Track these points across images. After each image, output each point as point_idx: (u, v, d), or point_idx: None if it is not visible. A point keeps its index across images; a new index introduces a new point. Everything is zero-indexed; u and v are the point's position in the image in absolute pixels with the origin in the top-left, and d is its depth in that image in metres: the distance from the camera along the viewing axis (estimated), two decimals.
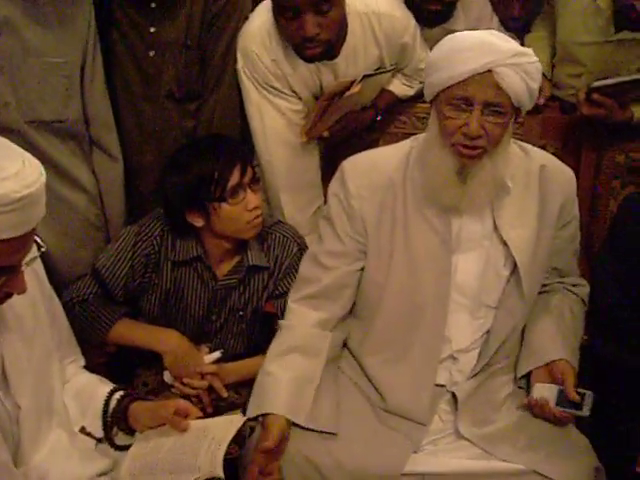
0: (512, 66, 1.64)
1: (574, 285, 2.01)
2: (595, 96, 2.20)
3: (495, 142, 1.71)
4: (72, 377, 1.70)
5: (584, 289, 2.01)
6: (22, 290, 1.38)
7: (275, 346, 1.89)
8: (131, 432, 1.66)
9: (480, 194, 1.77)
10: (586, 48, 2.27)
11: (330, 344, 1.89)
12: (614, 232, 1.97)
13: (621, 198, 2.36)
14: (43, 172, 1.32)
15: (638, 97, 2.27)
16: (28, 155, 1.31)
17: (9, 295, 1.39)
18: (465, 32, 1.76)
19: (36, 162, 1.32)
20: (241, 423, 1.66)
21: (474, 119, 1.67)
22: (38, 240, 1.41)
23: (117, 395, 1.66)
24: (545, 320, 1.92)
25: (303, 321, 1.89)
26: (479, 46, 1.67)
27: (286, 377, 1.81)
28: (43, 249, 1.43)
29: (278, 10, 2.02)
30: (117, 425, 1.64)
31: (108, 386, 1.69)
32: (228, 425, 1.64)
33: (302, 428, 1.76)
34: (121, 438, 1.66)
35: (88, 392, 1.67)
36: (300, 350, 1.86)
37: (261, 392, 1.82)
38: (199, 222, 1.95)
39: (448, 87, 1.70)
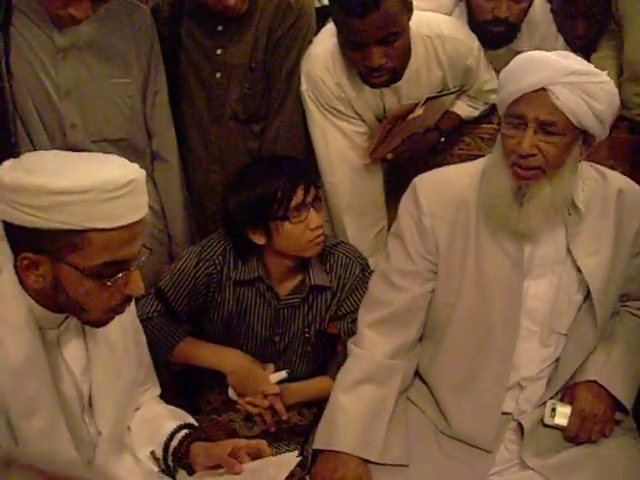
0: (568, 85, 1.65)
1: (638, 308, 2.00)
2: None
3: (553, 163, 1.71)
4: (144, 405, 1.75)
5: None
6: (140, 289, 1.43)
7: (346, 375, 1.90)
8: (192, 471, 1.66)
9: (537, 218, 1.77)
10: None
11: (402, 375, 1.90)
12: None
13: None
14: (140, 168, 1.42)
15: None
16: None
17: (128, 299, 1.44)
18: (530, 52, 1.78)
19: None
20: (295, 464, 1.65)
21: (526, 137, 1.68)
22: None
23: (181, 434, 1.67)
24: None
25: (376, 349, 1.90)
26: (534, 63, 1.69)
27: (359, 411, 1.83)
28: (150, 250, 1.48)
29: (343, 42, 2.08)
30: (178, 463, 1.66)
31: (175, 422, 1.70)
32: (282, 465, 1.63)
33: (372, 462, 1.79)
34: (182, 475, 1.67)
35: (156, 424, 1.70)
36: (372, 381, 1.87)
37: (331, 425, 1.84)
38: (261, 240, 2.00)
39: (508, 105, 1.72)
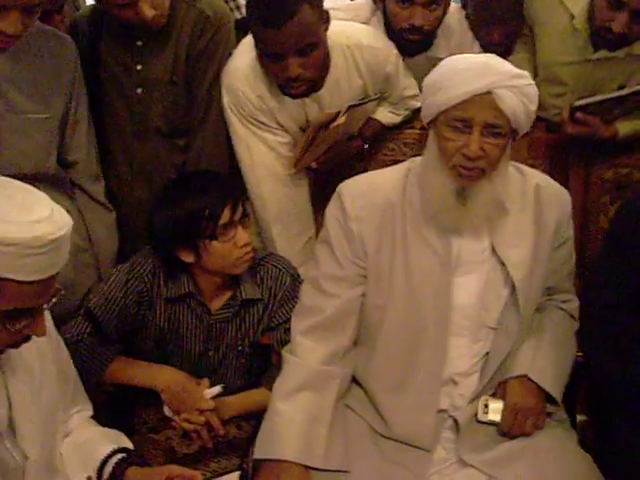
0: (511, 88, 1.71)
1: (563, 301, 2.07)
2: (578, 115, 2.28)
3: (494, 163, 1.77)
4: (76, 428, 1.72)
5: (573, 304, 2.07)
6: (43, 333, 1.41)
7: (283, 384, 1.91)
8: None
9: (480, 215, 1.83)
10: (566, 68, 2.35)
11: (339, 380, 1.92)
12: (611, 235, 2.01)
13: (611, 214, 2.41)
14: (69, 216, 1.38)
15: (621, 113, 2.34)
16: (53, 202, 1.38)
17: (27, 338, 1.42)
18: (465, 55, 1.84)
19: (60, 207, 1.38)
20: None
21: (474, 140, 1.72)
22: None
23: (115, 459, 1.65)
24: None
25: (310, 356, 1.92)
26: (479, 67, 1.73)
27: (298, 419, 1.85)
28: (62, 292, 1.44)
29: (261, 53, 2.10)
30: None
31: (109, 446, 1.68)
32: None
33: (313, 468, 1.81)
34: None
35: (89, 448, 1.68)
36: (310, 388, 1.89)
37: (271, 434, 1.85)
38: (189, 258, 2.00)
39: (447, 108, 1.75)
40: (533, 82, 1.77)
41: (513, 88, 1.71)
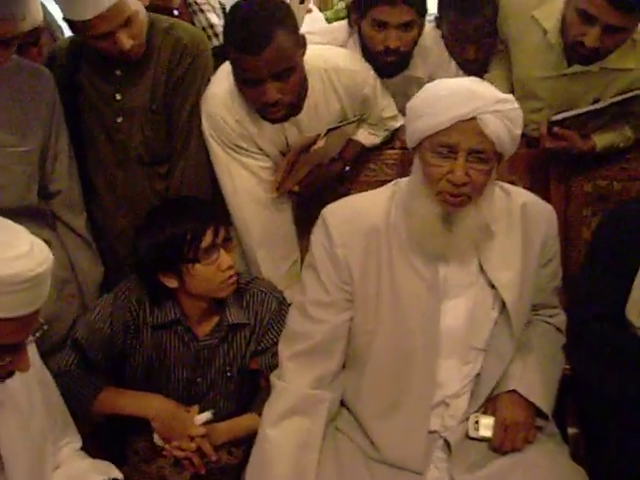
0: (496, 113, 1.70)
1: (550, 316, 2.08)
2: (556, 129, 2.31)
3: (480, 189, 1.77)
4: (65, 461, 1.72)
5: (559, 317, 2.08)
6: (26, 368, 1.41)
7: (271, 409, 1.91)
8: None
9: (466, 240, 1.83)
10: (542, 83, 2.36)
11: (328, 404, 1.92)
12: (594, 246, 2.05)
13: (593, 226, 2.43)
14: (49, 251, 1.37)
15: (598, 126, 2.37)
16: (33, 236, 1.37)
17: (11, 373, 1.41)
18: (447, 79, 1.85)
19: (41, 241, 1.37)
20: None
21: (459, 166, 1.71)
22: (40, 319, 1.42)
23: None
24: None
25: (299, 381, 1.92)
26: (463, 93, 1.72)
27: (288, 445, 1.84)
28: (45, 327, 1.44)
29: (239, 79, 2.11)
30: None
31: (98, 477, 1.68)
32: None
33: None
34: None
35: None
36: (299, 413, 1.89)
37: (262, 460, 1.85)
38: (173, 283, 2.01)
39: (431, 134, 1.74)
40: (517, 106, 1.76)
41: (497, 113, 1.70)
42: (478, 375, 1.93)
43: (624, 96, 2.27)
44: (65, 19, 2.11)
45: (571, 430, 2.06)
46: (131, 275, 2.12)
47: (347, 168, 2.42)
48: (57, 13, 2.28)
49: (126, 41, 2.10)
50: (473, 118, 1.69)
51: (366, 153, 2.49)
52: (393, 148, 2.51)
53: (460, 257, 1.87)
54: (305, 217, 2.22)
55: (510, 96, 1.77)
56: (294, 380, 1.92)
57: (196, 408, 2.08)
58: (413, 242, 1.86)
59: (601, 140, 2.36)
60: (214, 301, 2.07)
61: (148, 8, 2.25)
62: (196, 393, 2.13)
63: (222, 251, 2.00)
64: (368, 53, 2.37)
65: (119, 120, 2.26)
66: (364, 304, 1.91)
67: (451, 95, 1.73)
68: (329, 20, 4.11)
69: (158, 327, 2.07)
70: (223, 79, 2.19)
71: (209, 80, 2.25)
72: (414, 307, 1.87)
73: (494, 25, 2.44)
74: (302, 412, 1.88)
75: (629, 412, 1.83)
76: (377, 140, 2.48)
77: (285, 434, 1.86)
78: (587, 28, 2.11)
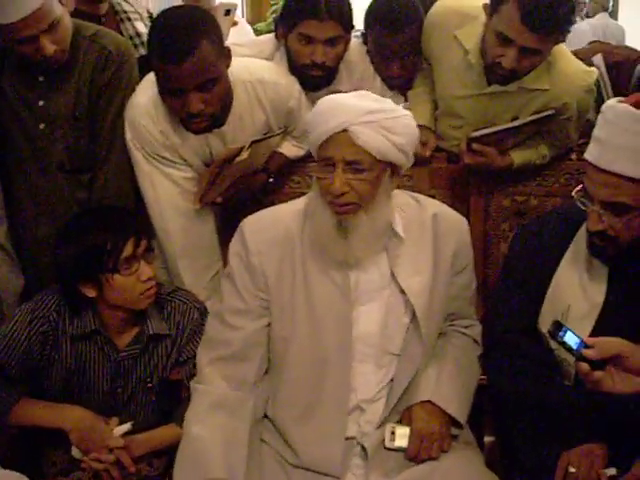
0: (366, 124, 1.77)
1: (466, 327, 2.13)
2: (475, 146, 2.36)
3: (366, 197, 1.84)
4: None
5: (475, 329, 2.15)
6: None
7: (194, 409, 1.94)
8: None
9: (361, 247, 1.89)
10: (462, 101, 2.41)
11: (252, 405, 1.94)
12: (508, 261, 2.11)
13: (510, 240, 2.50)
14: None
15: (516, 144, 2.44)
16: None
17: None
18: (331, 95, 1.91)
19: None
20: None
21: (336, 178, 1.80)
22: None
23: None
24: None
25: (219, 383, 1.95)
26: (334, 108, 1.81)
27: (216, 439, 1.86)
28: None
29: (162, 89, 2.11)
30: None
31: None
32: None
33: None
34: None
35: None
36: (223, 410, 1.92)
37: (193, 458, 1.85)
38: (92, 293, 2.00)
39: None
40: (400, 114, 1.83)
41: (369, 124, 1.77)
42: (392, 380, 1.97)
43: (540, 115, 2.33)
44: None
45: (487, 438, 2.12)
46: (52, 284, 2.10)
47: (271, 180, 2.43)
48: None
49: (49, 46, 2.09)
50: (345, 130, 1.77)
51: (290, 165, 2.52)
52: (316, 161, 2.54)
53: (371, 263, 1.94)
54: (228, 228, 2.22)
55: (387, 105, 1.84)
56: (214, 383, 1.95)
57: (115, 420, 2.07)
58: (316, 249, 1.92)
59: (518, 157, 2.43)
60: (135, 311, 2.07)
61: (73, 14, 2.25)
62: (116, 404, 2.12)
63: (142, 262, 2.01)
64: (294, 67, 2.40)
65: (41, 127, 2.24)
66: (280, 311, 1.96)
67: (326, 110, 1.82)
68: (261, 32, 4.15)
69: (78, 337, 2.05)
70: (147, 88, 2.19)
71: (134, 89, 2.25)
72: (328, 313, 1.92)
73: (418, 43, 2.49)
74: (226, 410, 1.92)
75: (539, 421, 1.90)
76: (301, 152, 2.50)
77: (211, 429, 1.88)
78: (505, 50, 2.17)
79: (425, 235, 1.99)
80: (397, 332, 1.96)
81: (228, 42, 2.23)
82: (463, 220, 2.09)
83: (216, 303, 2.07)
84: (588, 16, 6.13)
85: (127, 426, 2.05)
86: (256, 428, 1.96)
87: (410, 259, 1.96)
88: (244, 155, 2.17)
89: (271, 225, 1.99)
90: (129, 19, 2.70)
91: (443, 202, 2.17)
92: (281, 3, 2.50)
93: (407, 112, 1.87)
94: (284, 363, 1.96)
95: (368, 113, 1.78)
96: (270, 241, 1.96)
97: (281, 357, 1.96)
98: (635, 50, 3.07)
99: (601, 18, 6.04)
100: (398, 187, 2.00)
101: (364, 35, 2.60)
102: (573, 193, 1.81)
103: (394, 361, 1.97)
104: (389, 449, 1.92)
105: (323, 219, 1.88)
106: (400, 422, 1.97)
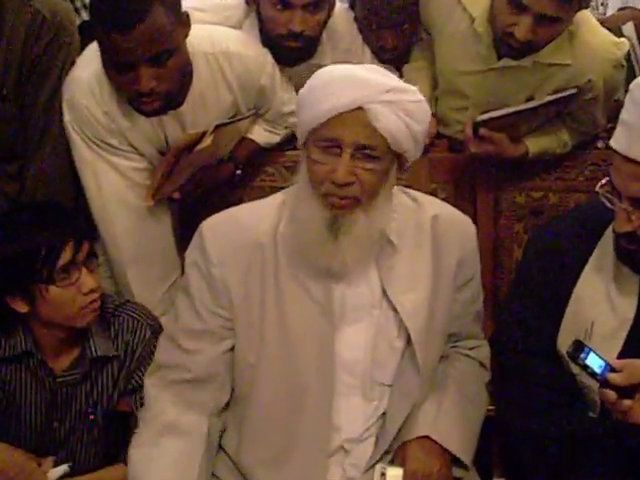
0: (387, 103, 1.70)
1: (471, 348, 2.10)
2: (482, 131, 2.34)
3: (369, 192, 1.76)
4: None
5: (482, 351, 2.12)
6: None
7: (141, 435, 1.91)
8: None
9: (352, 253, 1.82)
10: (468, 77, 2.41)
11: (207, 431, 1.91)
12: (521, 270, 2.09)
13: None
14: None
15: (531, 129, 2.42)
16: None
17: None
18: (336, 65, 1.84)
19: None
20: None
21: (342, 164, 1.71)
22: None
23: None
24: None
25: (170, 410, 1.91)
26: (348, 80, 1.73)
27: (167, 462, 1.84)
28: None
29: (107, 62, 2.07)
30: None
31: None
32: None
33: None
34: None
35: None
36: (173, 433, 1.88)
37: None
38: (23, 308, 1.98)
39: (315, 127, 1.75)
40: (421, 98, 1.77)
41: (390, 104, 1.70)
42: (384, 415, 1.93)
43: (560, 95, 2.33)
44: None
45: None
46: None
47: (239, 172, 2.42)
48: None
49: None
50: (359, 108, 1.70)
51: (263, 154, 2.50)
52: (295, 149, 2.49)
53: (359, 275, 1.88)
54: (187, 229, 2.18)
55: (410, 86, 1.78)
56: (165, 409, 1.91)
57: (50, 460, 2.06)
58: (301, 255, 1.86)
59: (534, 145, 2.43)
60: (75, 330, 2.03)
61: None
62: (51, 441, 2.10)
63: (84, 270, 1.98)
64: (267, 37, 2.37)
65: None
66: (246, 333, 1.90)
67: (335, 82, 1.74)
68: None
69: (6, 360, 2.04)
70: (90, 61, 2.16)
71: (73, 62, 2.22)
72: (305, 335, 1.87)
73: (416, 8, 2.48)
74: (177, 434, 1.88)
75: (558, 461, 1.88)
76: (275, 139, 2.49)
77: (161, 452, 1.85)
78: (518, 18, 2.16)
79: (423, 241, 1.94)
80: (389, 359, 1.91)
81: (187, 6, 2.17)
82: (469, 222, 2.04)
83: (169, 321, 2.03)
84: None
85: (64, 468, 2.05)
86: (210, 454, 1.92)
87: (405, 271, 1.90)
88: (206, 142, 2.14)
89: (236, 228, 1.92)
90: None
91: (445, 199, 2.16)
92: None
93: (423, 97, 1.80)
94: (251, 395, 1.90)
95: (390, 91, 1.71)
96: (236, 249, 1.89)
97: (248, 388, 1.90)
98: None
99: None
100: None
101: None
102: (597, 188, 1.77)
103: (385, 393, 1.92)
104: None
105: (310, 215, 1.80)
106: (392, 462, 1.93)
